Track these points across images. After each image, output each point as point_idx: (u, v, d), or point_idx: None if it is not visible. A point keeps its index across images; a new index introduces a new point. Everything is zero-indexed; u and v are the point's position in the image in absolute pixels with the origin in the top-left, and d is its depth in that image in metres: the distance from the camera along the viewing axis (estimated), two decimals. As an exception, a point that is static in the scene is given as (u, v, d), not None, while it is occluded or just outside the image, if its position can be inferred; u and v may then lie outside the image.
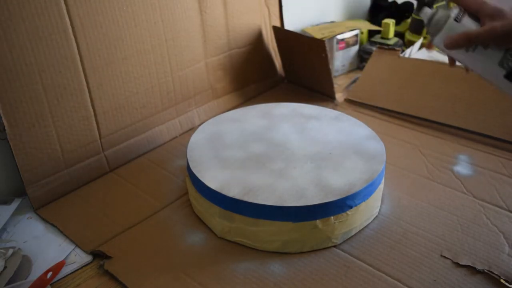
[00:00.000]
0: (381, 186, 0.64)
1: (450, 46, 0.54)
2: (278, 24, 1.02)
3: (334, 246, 0.59)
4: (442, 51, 0.57)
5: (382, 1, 1.31)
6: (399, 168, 0.72)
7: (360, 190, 0.58)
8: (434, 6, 0.54)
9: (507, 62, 0.53)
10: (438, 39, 0.55)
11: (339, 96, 0.97)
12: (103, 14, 0.69)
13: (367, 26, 1.17)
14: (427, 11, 0.56)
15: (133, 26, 0.73)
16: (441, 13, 0.55)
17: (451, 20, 0.53)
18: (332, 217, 0.57)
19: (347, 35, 1.09)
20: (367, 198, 0.60)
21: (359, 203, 0.59)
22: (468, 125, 0.82)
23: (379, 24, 1.13)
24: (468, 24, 0.53)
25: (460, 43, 0.53)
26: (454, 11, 0.54)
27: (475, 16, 0.52)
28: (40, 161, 0.67)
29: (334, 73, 1.09)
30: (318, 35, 1.05)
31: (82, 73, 0.69)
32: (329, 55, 0.90)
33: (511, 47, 0.52)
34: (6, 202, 0.67)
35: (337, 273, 0.56)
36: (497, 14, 0.51)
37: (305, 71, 0.98)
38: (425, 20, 0.56)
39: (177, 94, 0.84)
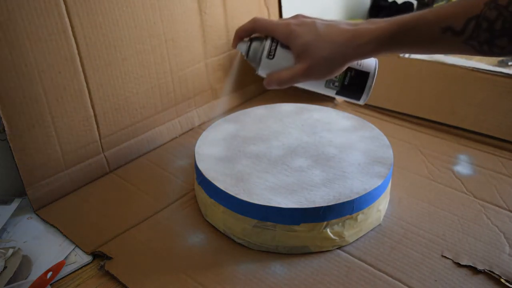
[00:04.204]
0: (388, 188, 0.64)
1: (268, 86, 0.54)
2: (278, 24, 1.02)
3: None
4: None
5: (382, 1, 1.31)
6: (399, 168, 0.72)
7: (370, 192, 0.58)
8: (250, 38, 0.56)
9: (332, 83, 0.55)
10: (261, 72, 0.55)
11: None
12: (103, 14, 0.69)
13: (367, 26, 1.17)
14: (241, 46, 0.55)
15: (132, 27, 0.73)
16: (254, 49, 0.54)
17: (264, 57, 0.53)
18: (342, 219, 0.57)
19: (347, 35, 1.09)
20: (375, 201, 0.60)
21: (367, 206, 0.59)
22: (468, 125, 0.82)
23: (379, 24, 1.13)
24: (282, 61, 0.53)
25: (276, 85, 0.53)
26: (267, 43, 0.53)
27: (288, 47, 0.52)
28: (40, 162, 0.67)
29: (334, 73, 1.09)
30: (318, 35, 1.05)
31: (82, 74, 0.69)
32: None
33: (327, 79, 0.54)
34: (6, 202, 0.67)
35: (338, 274, 0.55)
36: (304, 53, 0.51)
37: (305, 71, 0.98)
38: (243, 54, 0.56)
39: (177, 95, 0.84)
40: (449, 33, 0.46)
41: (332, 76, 0.53)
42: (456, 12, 0.45)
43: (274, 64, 0.53)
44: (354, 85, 0.55)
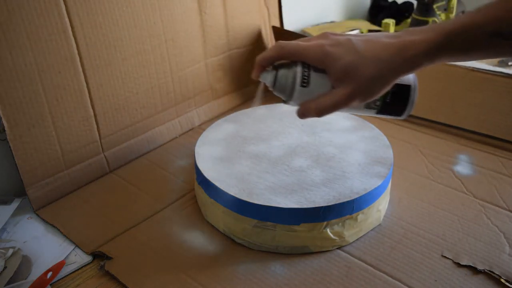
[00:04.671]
0: (388, 188, 0.64)
1: (303, 117, 0.49)
2: (277, 25, 1.02)
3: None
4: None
5: (382, 1, 1.31)
6: (399, 168, 0.72)
7: (370, 192, 0.58)
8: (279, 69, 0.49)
9: (373, 103, 0.51)
10: (294, 102, 0.49)
11: (339, 96, 0.96)
12: (103, 14, 0.69)
13: (367, 26, 1.17)
14: (266, 76, 0.49)
15: (132, 27, 0.73)
16: (282, 78, 0.48)
17: (297, 86, 0.47)
18: (342, 219, 0.57)
19: (347, 35, 1.09)
20: (375, 201, 0.60)
21: (367, 206, 0.59)
22: (468, 125, 0.82)
23: (379, 24, 1.13)
24: (319, 87, 0.47)
25: (314, 115, 0.48)
26: (299, 70, 0.47)
27: (322, 70, 0.47)
28: (40, 162, 0.67)
29: (334, 73, 1.09)
30: (318, 35, 1.05)
31: (82, 74, 0.69)
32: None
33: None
34: (6, 202, 0.67)
35: (338, 274, 0.55)
36: (346, 76, 0.46)
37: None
38: (269, 85, 0.49)
39: (177, 95, 0.84)
40: (499, 38, 0.43)
41: (379, 96, 0.49)
42: (503, 16, 0.42)
43: (309, 92, 0.48)
44: (396, 101, 0.51)
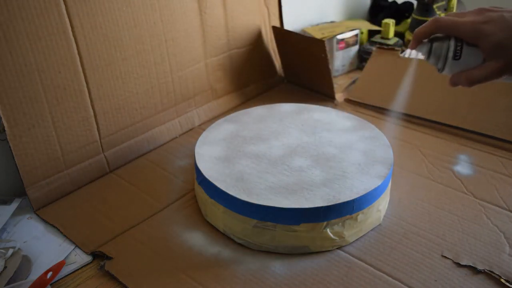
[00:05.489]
0: (388, 188, 0.64)
1: (455, 85, 0.53)
2: (277, 24, 1.02)
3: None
4: None
5: (382, 1, 1.31)
6: (399, 168, 0.72)
7: (370, 192, 0.58)
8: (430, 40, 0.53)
9: None
10: (446, 72, 0.53)
11: (339, 96, 0.96)
12: (103, 14, 0.69)
13: (367, 26, 1.17)
14: (422, 48, 0.53)
15: (132, 27, 0.73)
16: (436, 50, 0.52)
17: (450, 58, 0.51)
18: (342, 219, 0.57)
19: (347, 35, 1.09)
20: (375, 201, 0.60)
21: (367, 206, 0.59)
22: (468, 125, 0.82)
23: (379, 24, 1.13)
24: (470, 60, 0.51)
25: (466, 84, 0.52)
26: (452, 44, 0.51)
27: (475, 45, 0.50)
28: (40, 162, 0.67)
29: (334, 73, 1.09)
30: (318, 35, 1.05)
31: (82, 74, 0.69)
32: (329, 55, 0.90)
33: None
34: (6, 202, 0.67)
35: (338, 274, 0.55)
36: (498, 51, 0.48)
37: (305, 71, 0.98)
38: (424, 56, 0.53)
39: (177, 95, 0.84)
40: None
41: None
42: None
43: (461, 64, 0.51)
44: None
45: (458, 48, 0.50)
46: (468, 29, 0.49)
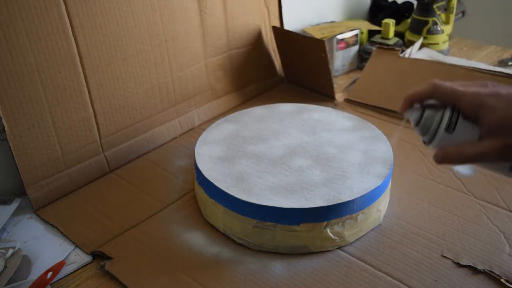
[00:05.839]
0: (388, 188, 0.64)
1: (440, 162, 0.46)
2: (277, 24, 1.02)
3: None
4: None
5: (382, 1, 1.31)
6: (399, 168, 0.72)
7: (370, 192, 0.58)
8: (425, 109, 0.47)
9: None
10: (433, 145, 0.47)
11: (339, 96, 0.96)
12: (103, 14, 0.69)
13: (367, 26, 1.16)
14: (411, 113, 0.47)
15: (132, 27, 0.73)
16: (428, 119, 0.46)
17: (441, 130, 0.45)
18: (342, 219, 0.57)
19: (347, 35, 1.09)
20: (375, 201, 0.60)
21: (368, 206, 0.59)
22: (468, 125, 0.82)
23: (379, 24, 1.13)
24: (464, 136, 0.45)
25: (456, 162, 0.46)
26: (447, 114, 0.45)
27: (474, 119, 0.45)
28: (40, 162, 0.67)
29: (334, 73, 1.09)
30: (318, 35, 1.05)
31: (82, 74, 0.69)
32: (329, 55, 0.90)
33: None
34: (6, 202, 0.67)
35: (338, 274, 0.55)
36: (501, 129, 0.43)
37: (305, 71, 0.98)
38: (412, 123, 0.48)
39: (177, 95, 0.84)
40: None
41: None
42: None
43: (452, 138, 0.45)
44: None
45: (453, 119, 0.45)
46: (470, 100, 0.44)
